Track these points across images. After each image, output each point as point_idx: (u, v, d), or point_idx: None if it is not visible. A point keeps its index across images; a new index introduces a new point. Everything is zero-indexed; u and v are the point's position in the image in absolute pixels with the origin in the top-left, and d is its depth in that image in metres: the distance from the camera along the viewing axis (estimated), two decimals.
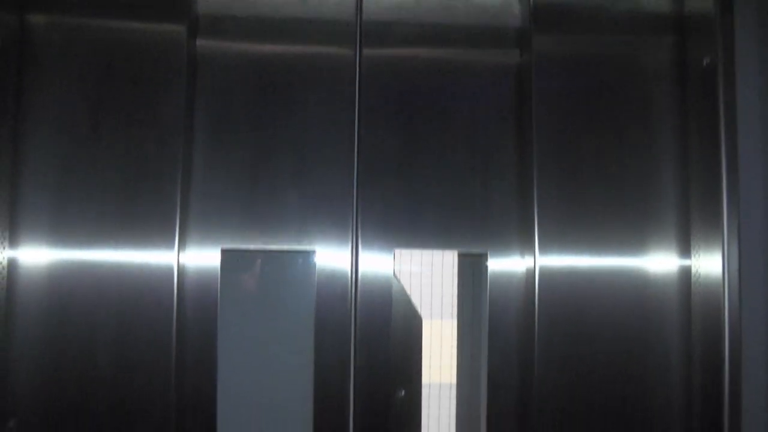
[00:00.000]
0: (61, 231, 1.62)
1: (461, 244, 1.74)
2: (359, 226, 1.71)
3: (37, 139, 1.63)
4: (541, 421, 1.66)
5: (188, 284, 1.65)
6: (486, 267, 1.73)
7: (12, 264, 1.61)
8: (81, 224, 1.62)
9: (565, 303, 1.69)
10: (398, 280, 1.72)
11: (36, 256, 1.62)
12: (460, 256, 1.74)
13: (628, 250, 1.72)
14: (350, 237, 1.70)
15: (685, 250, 1.74)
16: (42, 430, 1.59)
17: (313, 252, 1.69)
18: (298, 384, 1.70)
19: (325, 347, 1.67)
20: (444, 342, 1.73)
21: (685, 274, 1.73)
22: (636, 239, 1.73)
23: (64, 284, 1.61)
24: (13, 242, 1.61)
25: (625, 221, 1.72)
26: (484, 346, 1.73)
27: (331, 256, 1.70)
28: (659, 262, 1.73)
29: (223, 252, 1.67)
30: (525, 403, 1.70)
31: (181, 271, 1.63)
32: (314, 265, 1.69)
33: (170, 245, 1.61)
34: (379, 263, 1.70)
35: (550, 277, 1.68)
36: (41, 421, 1.59)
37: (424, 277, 1.74)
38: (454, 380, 1.84)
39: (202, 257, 1.67)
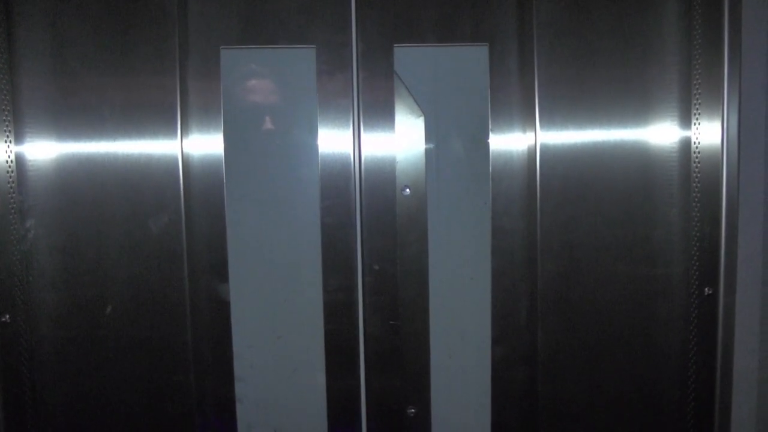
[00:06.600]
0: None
1: (462, 38, 1.73)
2: (358, 21, 1.69)
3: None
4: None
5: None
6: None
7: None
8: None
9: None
10: (399, 76, 1.73)
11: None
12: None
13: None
14: (350, 33, 1.69)
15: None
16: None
17: (313, 49, 1.70)
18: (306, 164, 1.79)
19: (330, 143, 1.73)
20: None
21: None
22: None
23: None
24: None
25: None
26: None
27: (330, 54, 1.70)
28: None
29: (223, 52, 1.68)
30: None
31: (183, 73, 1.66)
32: (314, 62, 1.69)
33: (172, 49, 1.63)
34: (379, 60, 1.71)
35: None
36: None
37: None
38: None
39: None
